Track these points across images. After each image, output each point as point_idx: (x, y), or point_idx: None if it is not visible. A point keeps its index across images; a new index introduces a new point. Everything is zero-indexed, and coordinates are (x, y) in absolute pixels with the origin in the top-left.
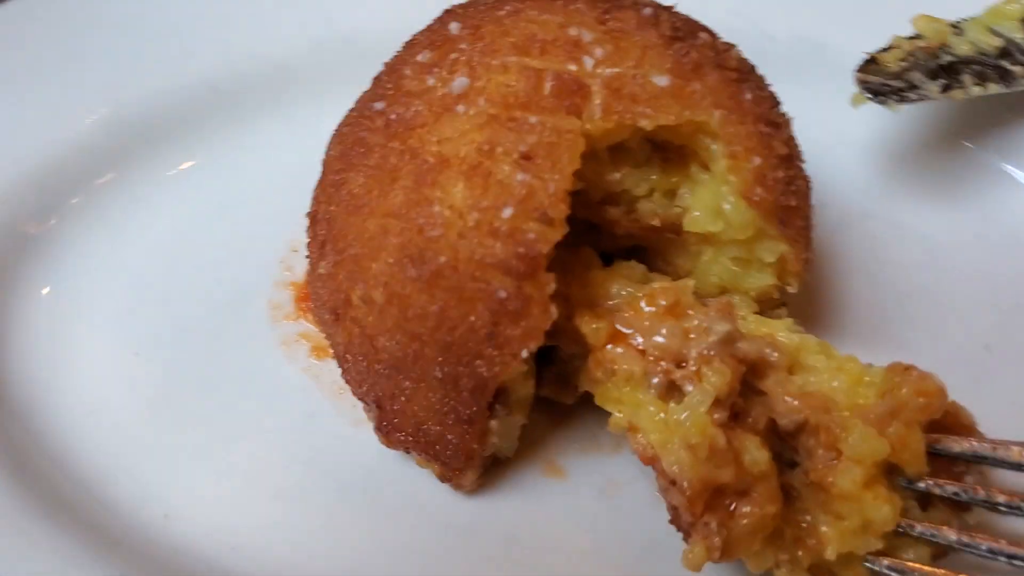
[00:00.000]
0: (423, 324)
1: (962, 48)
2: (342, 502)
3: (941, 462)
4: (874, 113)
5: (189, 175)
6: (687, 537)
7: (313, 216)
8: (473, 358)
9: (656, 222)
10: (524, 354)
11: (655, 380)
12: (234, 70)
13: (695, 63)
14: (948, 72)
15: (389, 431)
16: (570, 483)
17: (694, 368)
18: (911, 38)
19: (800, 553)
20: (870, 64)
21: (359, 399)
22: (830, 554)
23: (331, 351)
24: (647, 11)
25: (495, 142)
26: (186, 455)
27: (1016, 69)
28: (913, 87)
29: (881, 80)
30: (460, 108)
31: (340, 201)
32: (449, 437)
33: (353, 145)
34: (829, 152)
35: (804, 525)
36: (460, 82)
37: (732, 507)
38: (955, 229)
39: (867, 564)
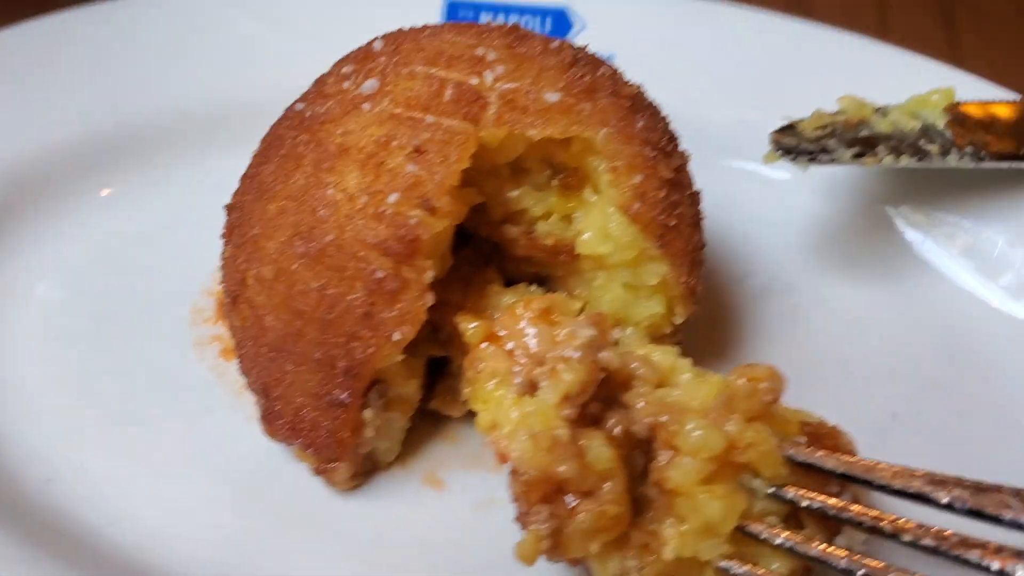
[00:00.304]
0: (306, 301)
1: (882, 126)
2: (219, 489)
3: (818, 481)
4: (811, 193)
5: (117, 198)
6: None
7: (229, 207)
8: (349, 339)
9: (551, 241)
10: (397, 336)
11: (517, 380)
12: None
13: (588, 86)
14: (864, 143)
15: (271, 419)
16: (446, 495)
17: (552, 367)
18: (834, 114)
19: (649, 559)
20: (788, 129)
21: (250, 390)
22: (667, 554)
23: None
24: (554, 44)
25: (392, 136)
26: (78, 430)
27: (931, 147)
28: (825, 151)
29: (796, 142)
30: (366, 106)
31: (251, 190)
32: (323, 423)
33: (271, 141)
34: (762, 225)
35: (652, 532)
36: (370, 84)
37: (573, 505)
38: (877, 306)
39: (721, 565)
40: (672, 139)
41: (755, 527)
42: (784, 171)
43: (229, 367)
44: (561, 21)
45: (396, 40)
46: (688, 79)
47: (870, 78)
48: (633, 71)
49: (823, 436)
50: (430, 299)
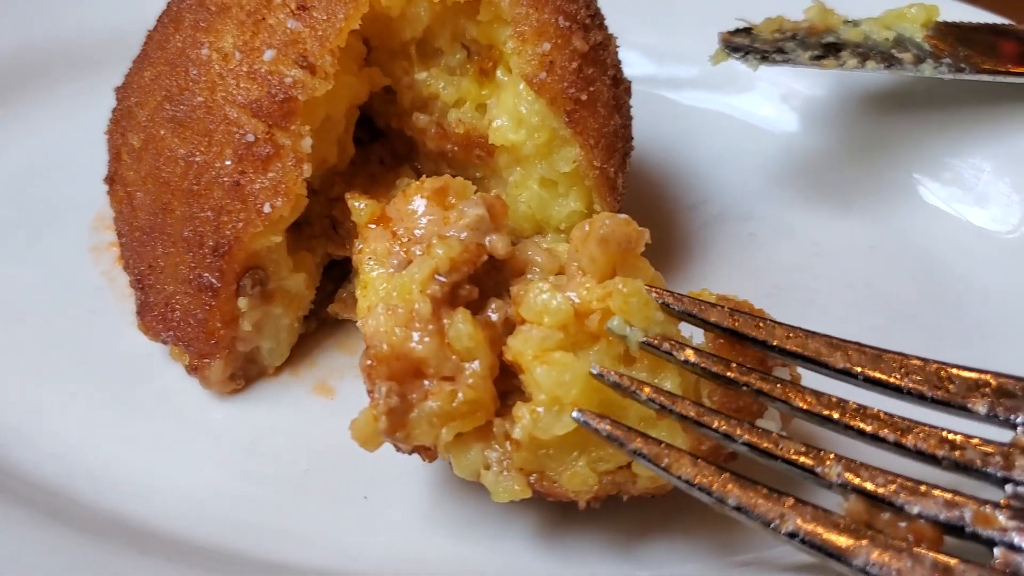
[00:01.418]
0: (173, 169)
1: (850, 34)
2: (92, 388)
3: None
4: (780, 128)
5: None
6: None
7: (117, 89)
8: (218, 212)
9: (462, 130)
10: (267, 208)
11: (395, 260)
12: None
13: None
14: (828, 49)
15: (144, 312)
16: (335, 402)
17: (428, 244)
18: (797, 22)
19: (509, 449)
20: (744, 31)
21: (130, 287)
22: (516, 433)
23: None
24: None
25: None
26: None
27: (905, 56)
28: (781, 52)
29: (748, 42)
30: None
31: (136, 63)
32: (194, 311)
33: (163, 12)
34: (727, 156)
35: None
36: None
37: (428, 388)
38: (842, 236)
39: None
40: (596, 16)
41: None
42: (763, 101)
43: (122, 273)
44: None
45: None
46: (666, 8)
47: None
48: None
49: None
50: (307, 169)
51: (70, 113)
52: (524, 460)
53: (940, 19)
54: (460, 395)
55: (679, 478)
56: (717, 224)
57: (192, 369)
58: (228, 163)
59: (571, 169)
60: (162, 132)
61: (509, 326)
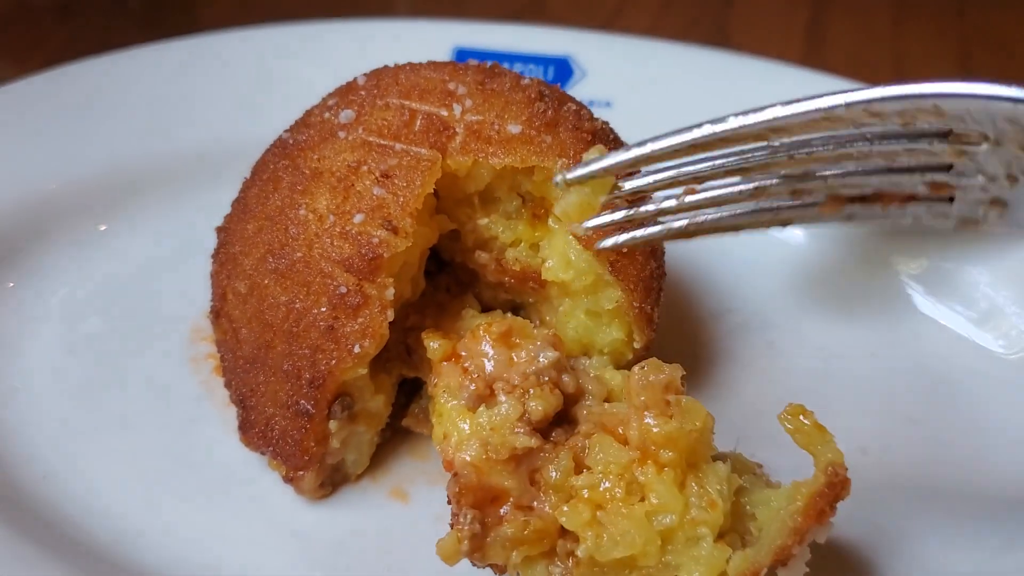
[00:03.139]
0: (275, 314)
1: None
2: (197, 493)
3: None
4: (796, 236)
5: (123, 233)
6: None
7: (219, 229)
8: (314, 351)
9: (518, 267)
10: (357, 349)
11: (466, 394)
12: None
13: (550, 120)
14: None
15: (246, 428)
16: (410, 507)
17: (514, 383)
18: None
19: (571, 565)
20: None
21: (231, 402)
22: (581, 553)
23: None
24: (525, 81)
25: (363, 161)
26: (76, 432)
27: None
28: None
29: None
30: (341, 134)
31: (237, 212)
32: (291, 433)
33: (259, 167)
34: (747, 266)
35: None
36: (346, 114)
37: (503, 514)
38: (853, 344)
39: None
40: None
41: None
42: None
43: (219, 382)
44: (563, 69)
45: (378, 75)
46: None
47: None
48: (630, 117)
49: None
50: (391, 314)
51: (160, 230)
52: (583, 574)
53: None
54: (530, 522)
55: None
56: (740, 333)
57: (288, 480)
58: (323, 310)
59: (613, 307)
60: (266, 281)
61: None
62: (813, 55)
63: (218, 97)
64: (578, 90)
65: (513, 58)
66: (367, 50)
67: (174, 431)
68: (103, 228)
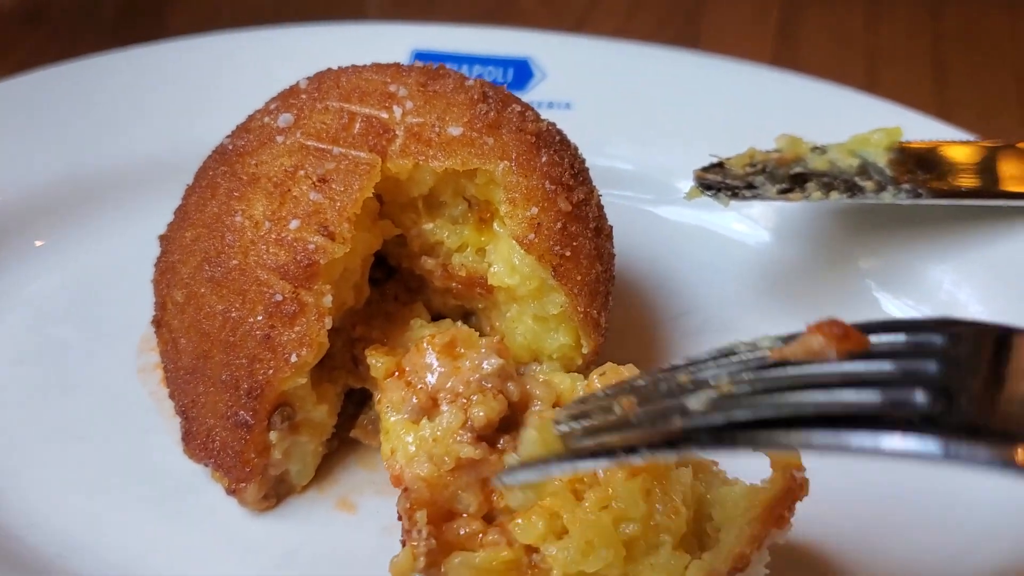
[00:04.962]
0: (212, 323)
1: (817, 163)
2: (140, 505)
3: None
4: (760, 239)
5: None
6: None
7: (161, 238)
8: (251, 361)
9: (464, 273)
10: (294, 358)
11: (408, 408)
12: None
13: (492, 122)
14: (795, 180)
15: (188, 440)
16: (357, 518)
17: (457, 392)
18: (768, 152)
19: None
20: (716, 166)
21: (176, 414)
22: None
23: None
24: (469, 83)
25: (299, 166)
26: (19, 444)
27: (867, 184)
28: (751, 187)
29: (720, 179)
30: (279, 139)
31: (177, 220)
32: (231, 444)
33: (199, 174)
34: (706, 270)
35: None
36: (285, 118)
37: (462, 532)
38: None
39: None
40: (579, 174)
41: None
42: (739, 218)
43: (167, 394)
44: (523, 71)
45: (320, 78)
46: (644, 127)
47: (840, 125)
48: (590, 118)
49: None
50: (329, 322)
51: (109, 240)
52: None
53: (904, 139)
54: (504, 555)
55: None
56: (699, 335)
57: (230, 492)
58: (260, 318)
59: (559, 312)
60: (202, 290)
61: None
62: (784, 56)
63: (169, 104)
64: (538, 92)
65: (472, 60)
66: (324, 54)
67: (120, 442)
68: (45, 240)
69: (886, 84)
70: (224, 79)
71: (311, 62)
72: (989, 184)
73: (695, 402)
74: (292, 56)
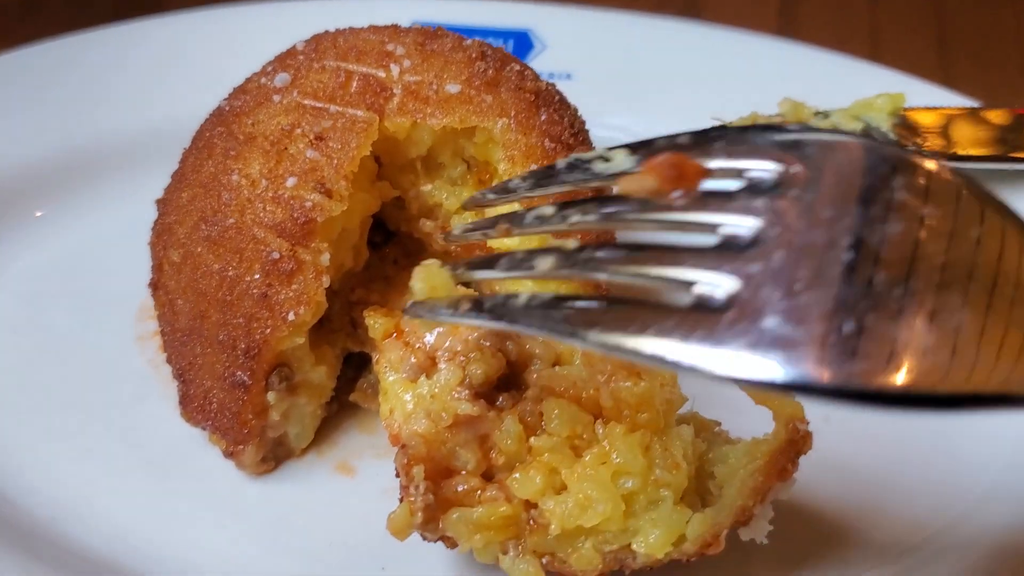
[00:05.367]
0: (208, 283)
1: (821, 126)
2: (137, 470)
3: None
4: None
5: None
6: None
7: (158, 201)
8: (248, 320)
9: None
10: (292, 317)
11: (407, 367)
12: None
13: (491, 80)
14: None
15: (186, 403)
16: (356, 480)
17: (456, 351)
18: (770, 116)
19: (526, 535)
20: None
21: (173, 377)
22: (554, 531)
23: None
24: (467, 42)
25: (296, 124)
26: (15, 411)
27: None
28: None
29: None
30: (276, 98)
31: (174, 182)
32: (229, 405)
33: (196, 137)
34: None
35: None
36: (281, 78)
37: (461, 488)
38: None
39: None
40: (579, 134)
41: None
42: None
43: (164, 361)
44: (523, 42)
45: (317, 39)
46: (646, 98)
47: (844, 94)
48: (592, 90)
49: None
50: (326, 280)
51: (109, 210)
52: (537, 544)
53: (907, 106)
54: (503, 510)
55: None
56: None
57: (228, 454)
58: (257, 277)
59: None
60: (199, 249)
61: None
62: (787, 33)
63: (169, 76)
64: (538, 63)
65: (472, 32)
66: (324, 27)
67: (117, 409)
68: (45, 210)
69: (889, 60)
70: (223, 51)
71: (310, 34)
72: (996, 150)
73: (543, 263)
74: (291, 29)
